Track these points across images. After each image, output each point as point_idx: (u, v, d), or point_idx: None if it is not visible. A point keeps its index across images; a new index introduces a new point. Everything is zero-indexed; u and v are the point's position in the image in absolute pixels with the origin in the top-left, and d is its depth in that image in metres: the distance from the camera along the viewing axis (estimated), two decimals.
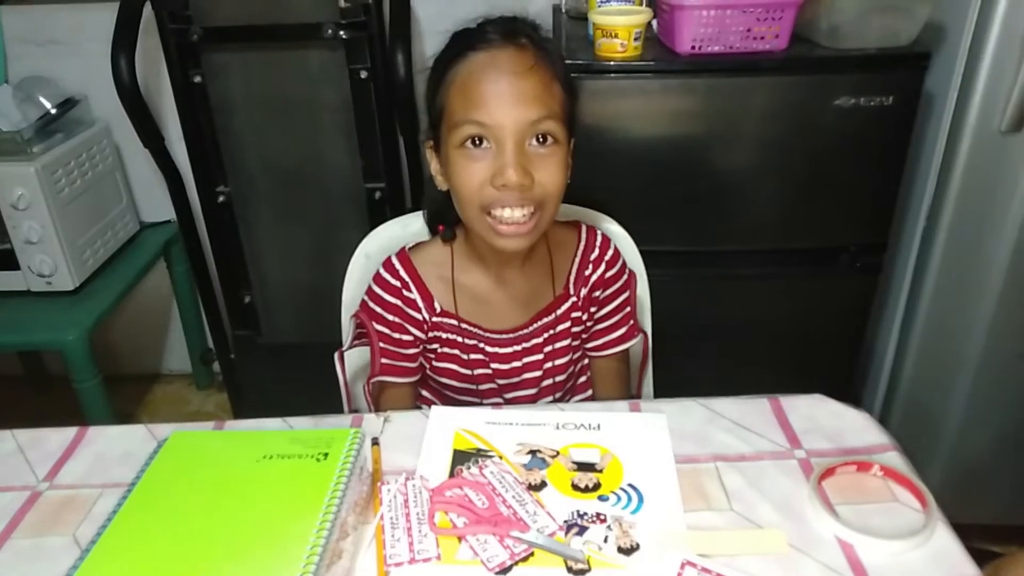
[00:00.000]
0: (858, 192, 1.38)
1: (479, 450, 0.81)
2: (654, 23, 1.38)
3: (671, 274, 1.36)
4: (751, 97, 1.32)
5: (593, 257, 0.98)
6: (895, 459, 0.78)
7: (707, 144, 1.35)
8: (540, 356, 0.98)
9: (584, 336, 1.01)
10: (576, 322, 0.99)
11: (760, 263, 1.48)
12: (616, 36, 1.27)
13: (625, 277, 1.00)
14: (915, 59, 1.28)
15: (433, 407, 0.89)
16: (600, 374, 1.05)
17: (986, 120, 1.29)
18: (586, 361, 1.05)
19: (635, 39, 1.28)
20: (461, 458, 0.80)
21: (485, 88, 0.79)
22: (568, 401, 1.06)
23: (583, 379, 1.06)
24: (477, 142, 0.80)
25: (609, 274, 0.98)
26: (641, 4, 1.39)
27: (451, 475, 0.78)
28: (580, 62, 1.31)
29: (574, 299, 0.97)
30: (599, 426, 0.84)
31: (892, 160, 1.36)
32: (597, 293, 0.99)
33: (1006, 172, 1.32)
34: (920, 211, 1.46)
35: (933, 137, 1.40)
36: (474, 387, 0.99)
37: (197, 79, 1.57)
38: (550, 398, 1.00)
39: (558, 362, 0.99)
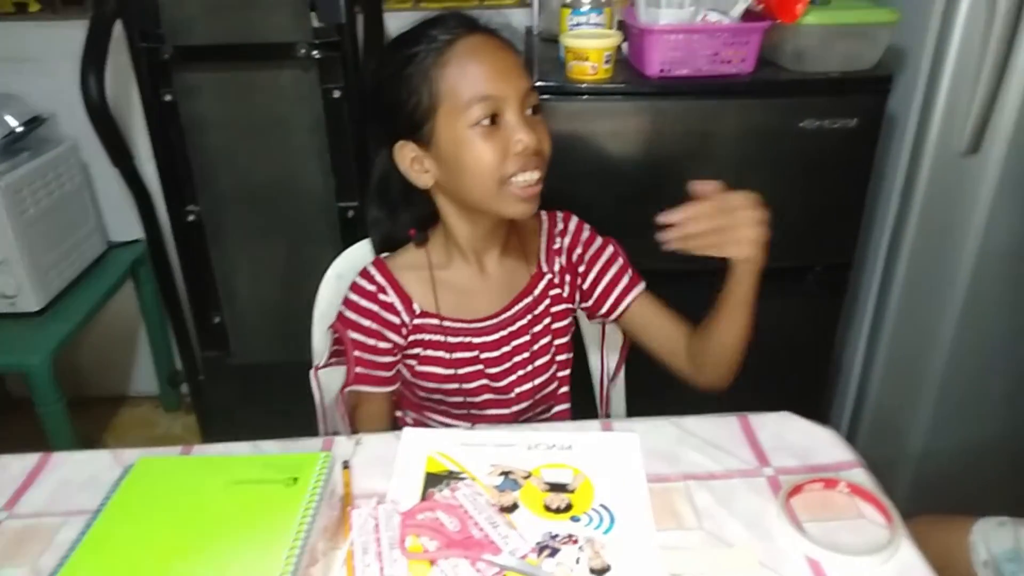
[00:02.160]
0: (823, 213, 1.41)
1: (451, 472, 0.81)
2: (624, 46, 1.40)
3: None
4: (718, 119, 1.34)
5: (558, 230, 1.03)
6: (861, 476, 0.79)
7: (675, 165, 1.37)
8: (527, 337, 1.00)
9: (585, 305, 1.03)
10: (556, 300, 1.02)
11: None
12: (587, 59, 1.29)
13: (601, 238, 1.04)
14: (877, 82, 1.31)
15: (405, 428, 0.88)
16: (644, 321, 1.02)
17: (946, 141, 1.33)
18: (566, 359, 1.06)
19: (606, 62, 1.29)
20: (433, 481, 0.80)
21: (486, 66, 0.84)
22: (548, 401, 1.07)
23: (564, 390, 1.07)
24: (492, 120, 0.84)
25: (582, 236, 1.03)
26: (611, 27, 1.41)
27: (423, 498, 0.77)
28: (552, 84, 1.32)
29: (549, 275, 1.02)
30: (571, 446, 0.84)
31: (856, 181, 1.39)
32: (578, 251, 1.02)
33: (965, 192, 1.36)
34: (884, 231, 1.49)
35: (896, 158, 1.44)
36: (457, 386, 0.99)
37: (168, 98, 1.55)
38: (537, 380, 1.02)
39: (542, 342, 1.02)
